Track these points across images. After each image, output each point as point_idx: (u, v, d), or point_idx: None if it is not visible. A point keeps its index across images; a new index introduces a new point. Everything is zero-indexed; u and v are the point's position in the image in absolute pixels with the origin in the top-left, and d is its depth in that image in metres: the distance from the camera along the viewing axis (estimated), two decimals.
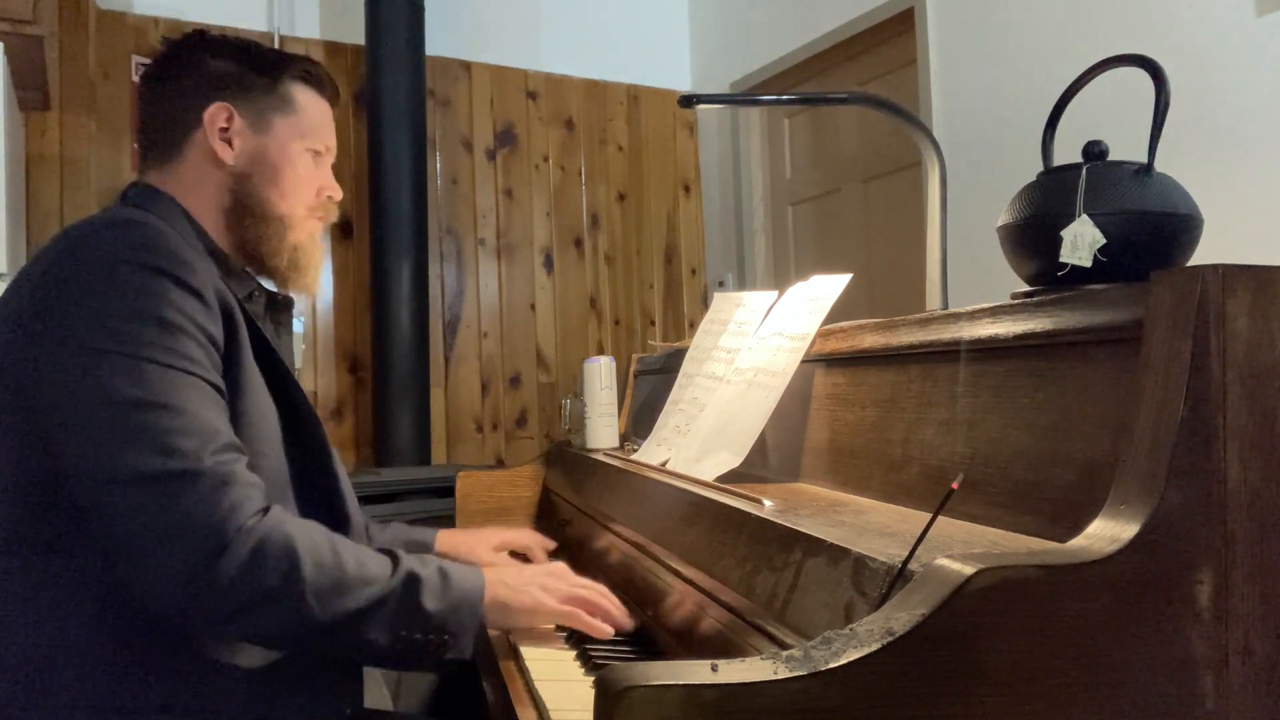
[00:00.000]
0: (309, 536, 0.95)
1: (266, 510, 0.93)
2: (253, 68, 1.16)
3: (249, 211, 1.14)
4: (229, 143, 1.13)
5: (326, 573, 0.93)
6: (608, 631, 1.14)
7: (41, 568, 0.95)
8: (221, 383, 0.99)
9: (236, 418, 1.00)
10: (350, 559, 0.96)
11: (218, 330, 0.99)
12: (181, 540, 0.88)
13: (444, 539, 1.44)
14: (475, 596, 1.04)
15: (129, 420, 0.90)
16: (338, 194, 1.24)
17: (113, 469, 0.89)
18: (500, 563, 1.41)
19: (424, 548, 1.40)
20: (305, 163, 1.18)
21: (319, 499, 1.09)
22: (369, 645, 0.97)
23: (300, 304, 3.35)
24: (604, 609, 1.16)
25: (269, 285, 1.23)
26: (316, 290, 1.24)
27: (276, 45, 3.27)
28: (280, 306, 1.21)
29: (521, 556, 1.51)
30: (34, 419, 0.94)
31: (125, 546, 0.90)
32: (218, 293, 1.01)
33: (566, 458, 1.92)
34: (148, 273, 0.95)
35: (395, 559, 1.00)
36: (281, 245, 1.16)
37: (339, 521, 1.11)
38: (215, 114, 1.13)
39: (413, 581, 0.99)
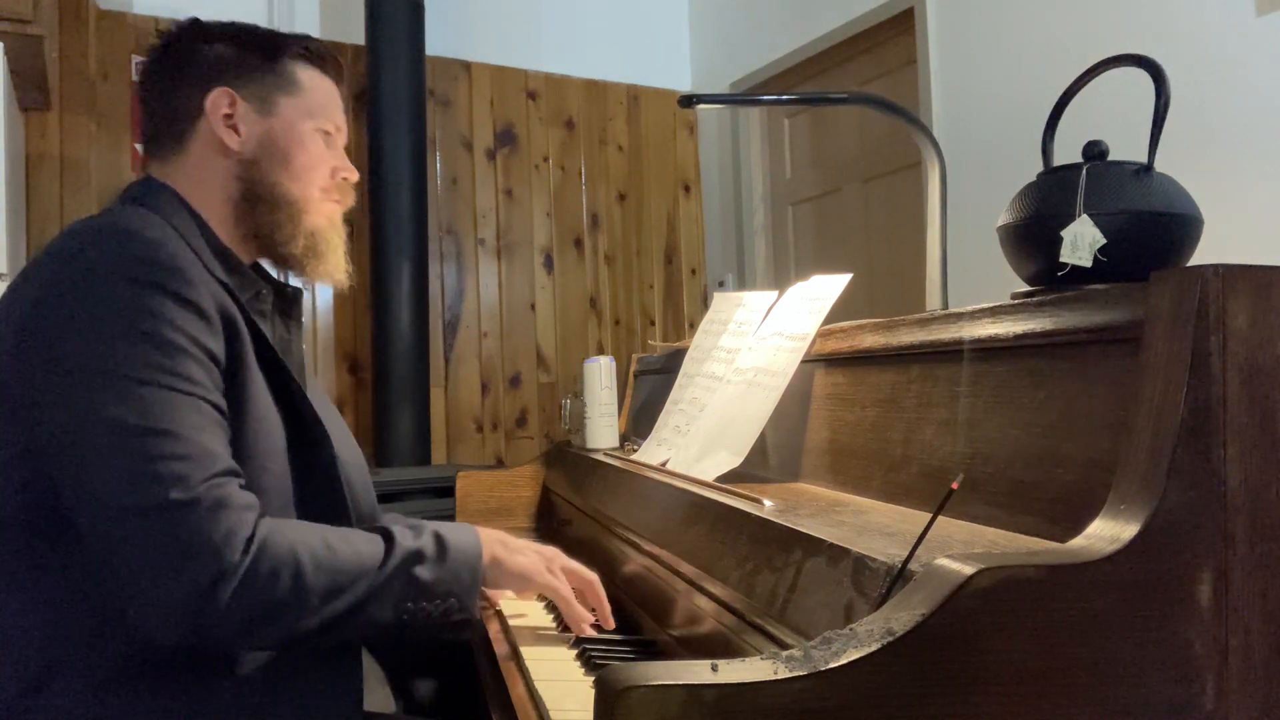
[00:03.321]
0: (305, 541, 0.94)
1: (258, 529, 0.92)
2: (251, 49, 1.13)
3: (260, 198, 1.11)
4: (234, 129, 1.10)
5: (325, 574, 0.93)
6: (587, 619, 1.14)
7: (36, 581, 0.94)
8: (222, 401, 0.97)
9: (240, 432, 0.99)
10: (346, 551, 0.96)
11: (218, 346, 0.98)
12: (179, 571, 0.87)
13: None
14: (474, 555, 1.05)
15: (124, 447, 0.88)
16: (353, 175, 1.20)
17: (107, 498, 0.88)
18: None
19: None
20: (316, 143, 1.15)
21: (322, 509, 1.08)
22: (376, 625, 0.97)
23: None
24: (596, 595, 1.17)
25: (282, 278, 1.19)
26: (343, 278, 1.19)
27: None
28: (290, 300, 1.18)
29: None
30: (29, 437, 0.93)
31: (122, 577, 0.89)
32: (218, 304, 0.99)
33: (566, 458, 1.92)
34: (146, 289, 0.93)
35: (389, 538, 1.00)
36: (297, 231, 1.13)
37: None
38: (217, 100, 1.10)
39: (410, 557, 0.99)
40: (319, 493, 1.08)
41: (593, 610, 1.18)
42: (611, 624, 1.18)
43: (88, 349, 0.91)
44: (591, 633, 1.15)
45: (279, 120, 1.12)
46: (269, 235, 1.12)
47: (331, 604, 0.93)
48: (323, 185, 1.16)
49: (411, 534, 1.02)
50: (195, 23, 1.15)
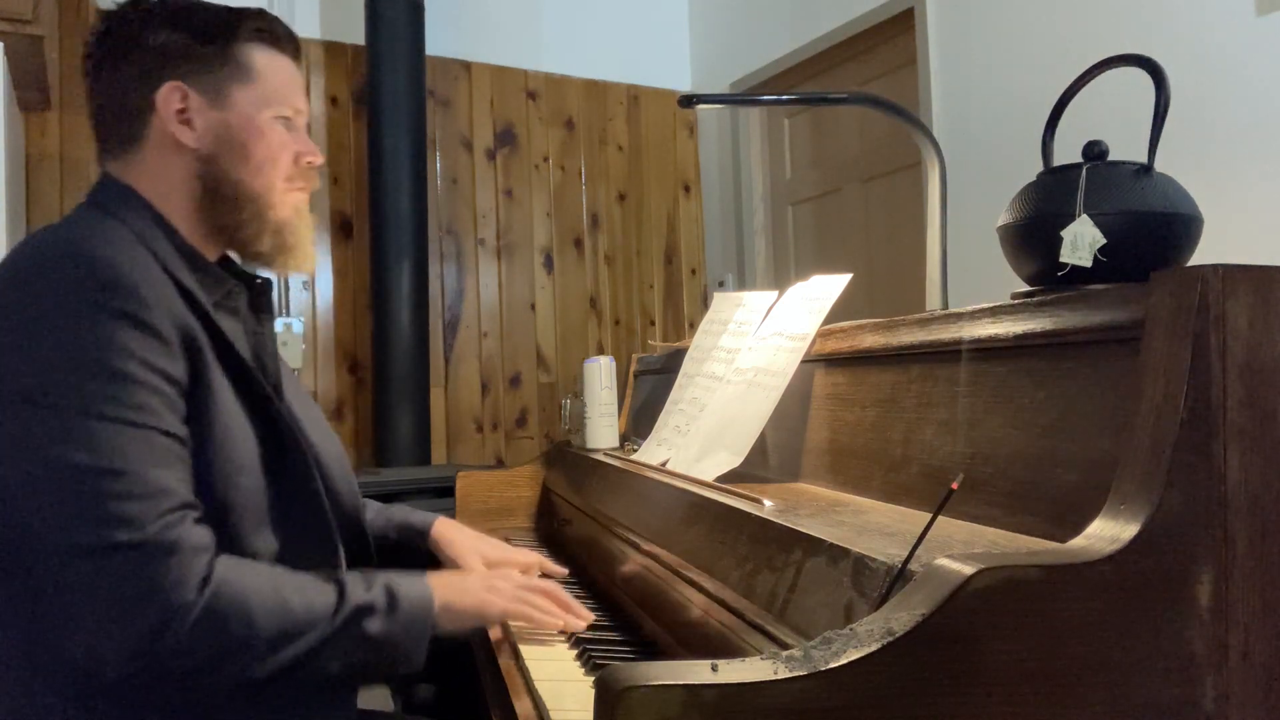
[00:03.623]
0: (256, 588, 0.92)
1: (212, 573, 0.90)
2: (200, 36, 1.06)
3: (222, 196, 1.06)
4: (189, 124, 1.05)
5: (275, 622, 0.91)
6: (556, 625, 1.13)
7: (7, 601, 0.92)
8: (180, 428, 0.93)
9: (207, 450, 0.96)
10: (297, 601, 0.93)
11: (178, 368, 0.94)
12: (125, 615, 0.85)
13: (443, 530, 1.37)
14: (425, 608, 1.02)
15: (70, 487, 0.85)
16: (318, 158, 1.14)
17: (52, 539, 0.85)
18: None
19: (419, 534, 1.35)
20: (276, 132, 1.09)
21: (300, 520, 1.05)
22: (321, 676, 0.95)
23: (300, 303, 3.35)
24: (561, 600, 1.15)
25: (252, 268, 1.16)
26: (313, 267, 1.15)
27: None
28: (260, 293, 1.14)
29: None
30: None
31: (67, 619, 0.86)
32: (178, 323, 0.95)
33: (566, 458, 1.92)
34: (99, 314, 0.89)
35: (341, 591, 0.97)
36: (264, 227, 1.09)
37: (322, 540, 1.07)
38: (168, 96, 1.04)
39: (359, 612, 0.96)
40: (296, 500, 1.05)
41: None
42: (588, 616, 1.17)
43: (34, 380, 0.87)
44: (579, 626, 1.15)
45: (234, 113, 1.07)
46: (235, 233, 1.09)
47: (279, 653, 0.91)
48: (286, 174, 1.11)
49: (363, 585, 0.99)
50: (137, 5, 1.08)
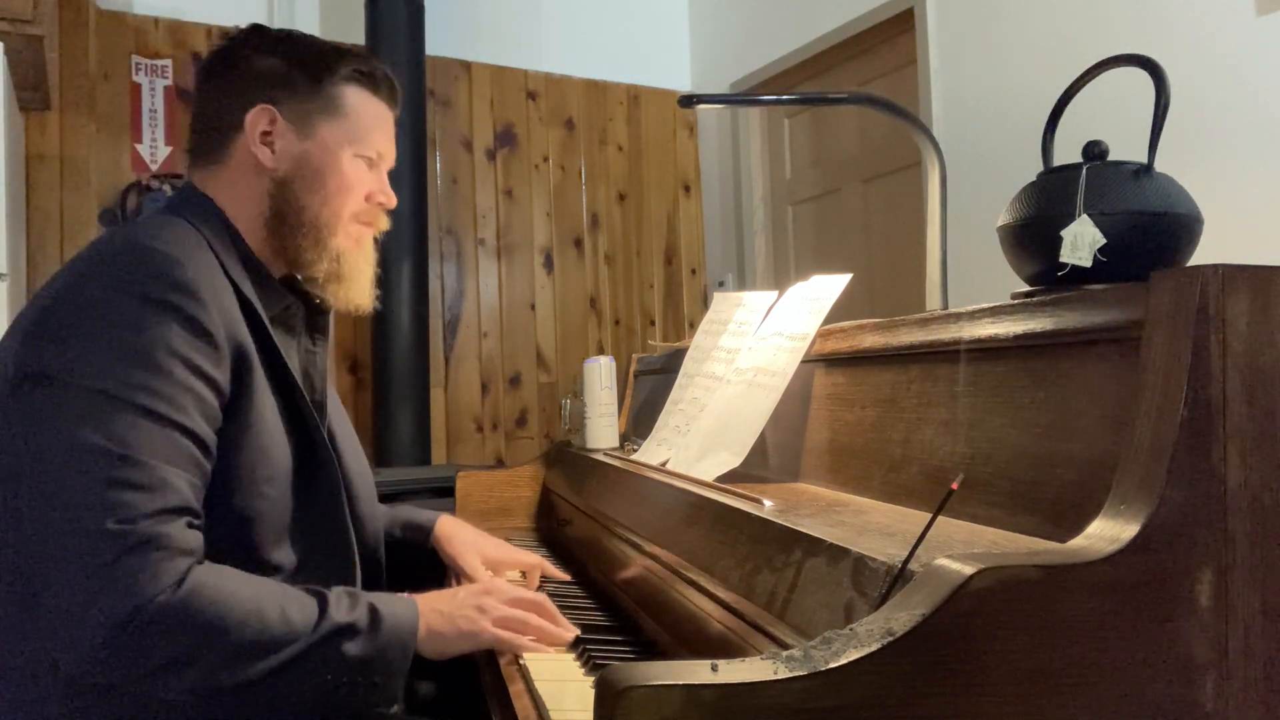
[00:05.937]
0: (235, 596, 0.91)
1: (190, 573, 0.89)
2: (300, 66, 1.11)
3: (287, 219, 1.10)
4: (270, 147, 1.10)
5: (248, 633, 0.90)
6: (543, 648, 1.09)
7: None
8: (208, 433, 0.95)
9: (239, 456, 0.97)
10: (274, 612, 0.92)
11: (222, 373, 0.96)
12: (95, 600, 0.85)
13: (445, 527, 1.38)
14: (407, 634, 1.00)
15: (79, 466, 0.87)
16: (390, 201, 1.18)
17: (48, 516, 0.87)
18: (479, 578, 1.33)
19: (423, 532, 1.37)
20: (355, 169, 1.13)
21: (323, 539, 1.06)
22: (294, 696, 0.93)
23: None
24: (537, 628, 1.10)
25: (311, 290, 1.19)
26: (368, 305, 1.17)
27: None
28: (317, 312, 1.18)
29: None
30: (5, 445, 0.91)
31: (46, 597, 0.87)
32: (230, 331, 0.98)
33: (566, 458, 1.92)
34: (154, 307, 0.92)
35: (323, 604, 0.96)
36: (322, 254, 1.12)
37: (341, 561, 1.08)
38: (257, 117, 1.09)
39: (338, 631, 0.95)
40: (320, 519, 1.07)
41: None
42: (574, 630, 1.14)
43: (74, 361, 0.89)
44: (567, 639, 1.11)
45: (316, 144, 1.11)
46: (295, 256, 1.12)
47: (251, 665, 0.90)
48: (354, 210, 1.14)
49: (348, 603, 0.97)
50: (254, 30, 1.14)
